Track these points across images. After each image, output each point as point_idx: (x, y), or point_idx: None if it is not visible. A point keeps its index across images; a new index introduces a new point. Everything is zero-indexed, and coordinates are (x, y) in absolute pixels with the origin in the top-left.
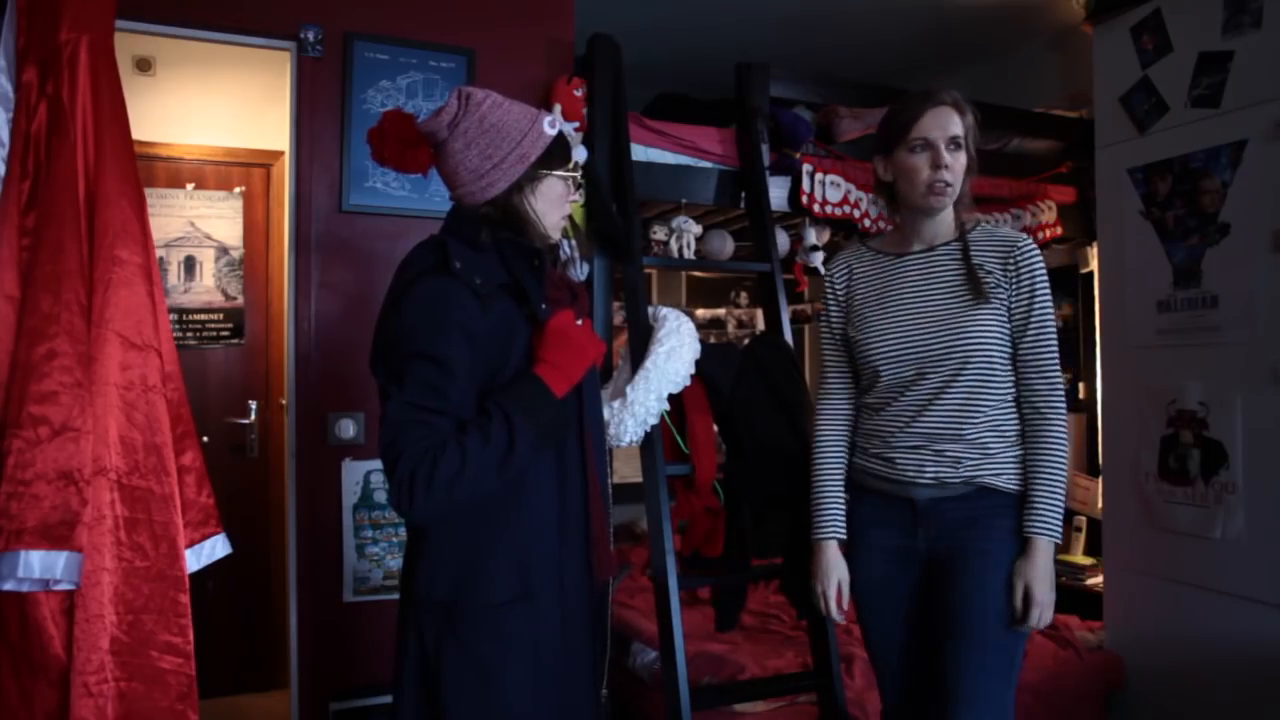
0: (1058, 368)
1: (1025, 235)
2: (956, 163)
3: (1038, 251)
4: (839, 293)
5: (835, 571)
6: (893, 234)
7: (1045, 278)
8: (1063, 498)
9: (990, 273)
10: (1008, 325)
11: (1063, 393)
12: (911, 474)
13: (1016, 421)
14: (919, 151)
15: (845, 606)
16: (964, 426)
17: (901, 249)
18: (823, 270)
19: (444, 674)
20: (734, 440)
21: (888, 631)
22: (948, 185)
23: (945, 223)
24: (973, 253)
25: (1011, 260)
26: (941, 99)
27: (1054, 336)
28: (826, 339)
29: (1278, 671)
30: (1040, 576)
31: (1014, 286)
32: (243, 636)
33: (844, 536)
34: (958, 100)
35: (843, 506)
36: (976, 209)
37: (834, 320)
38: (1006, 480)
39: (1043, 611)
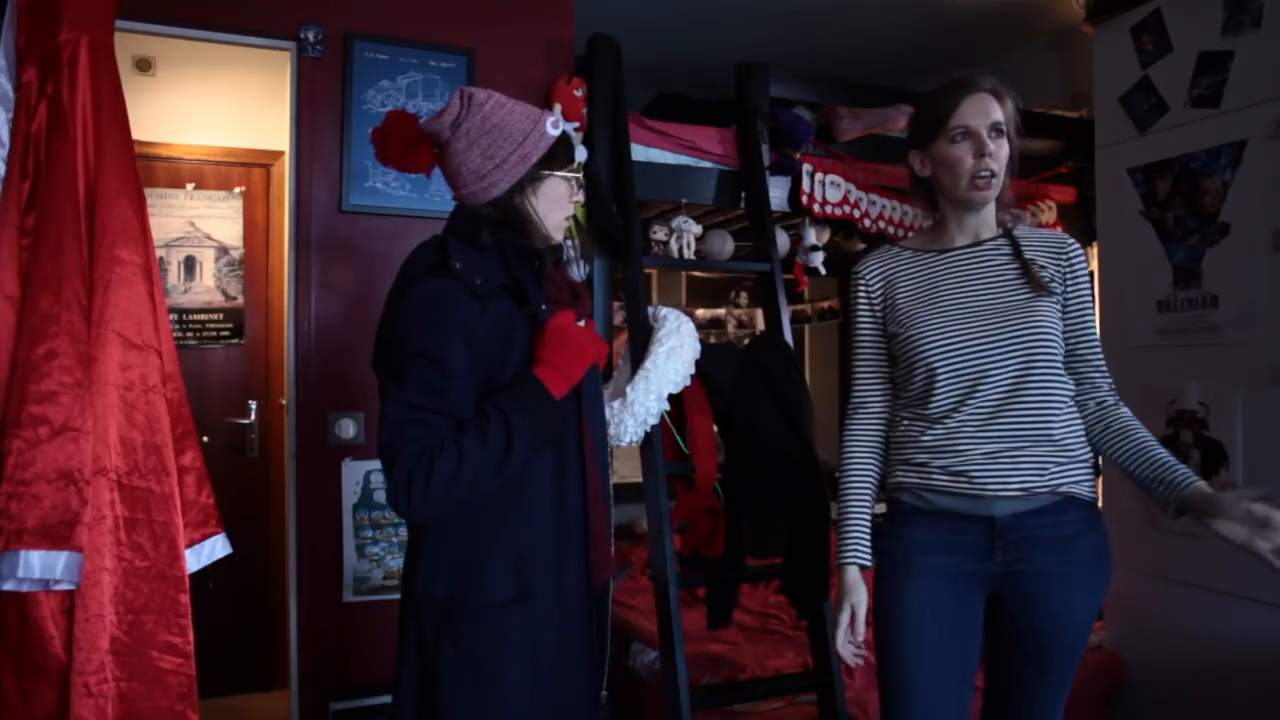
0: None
1: (1068, 235)
2: (1000, 151)
3: (1084, 251)
4: (874, 297)
5: (853, 596)
6: (929, 232)
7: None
8: None
9: (1044, 268)
10: (1062, 321)
11: None
12: (994, 487)
13: (1083, 423)
14: (960, 141)
15: (860, 638)
16: (1050, 425)
17: (944, 245)
18: (823, 270)
19: (442, 674)
20: (734, 440)
21: (933, 677)
22: (993, 175)
23: (988, 218)
24: (1024, 248)
25: (1064, 257)
26: (980, 85)
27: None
28: (860, 348)
29: (1278, 671)
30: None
31: (1068, 284)
32: (243, 636)
33: (869, 563)
34: (997, 87)
35: (870, 529)
36: None
37: (865, 327)
38: (1087, 488)
39: None
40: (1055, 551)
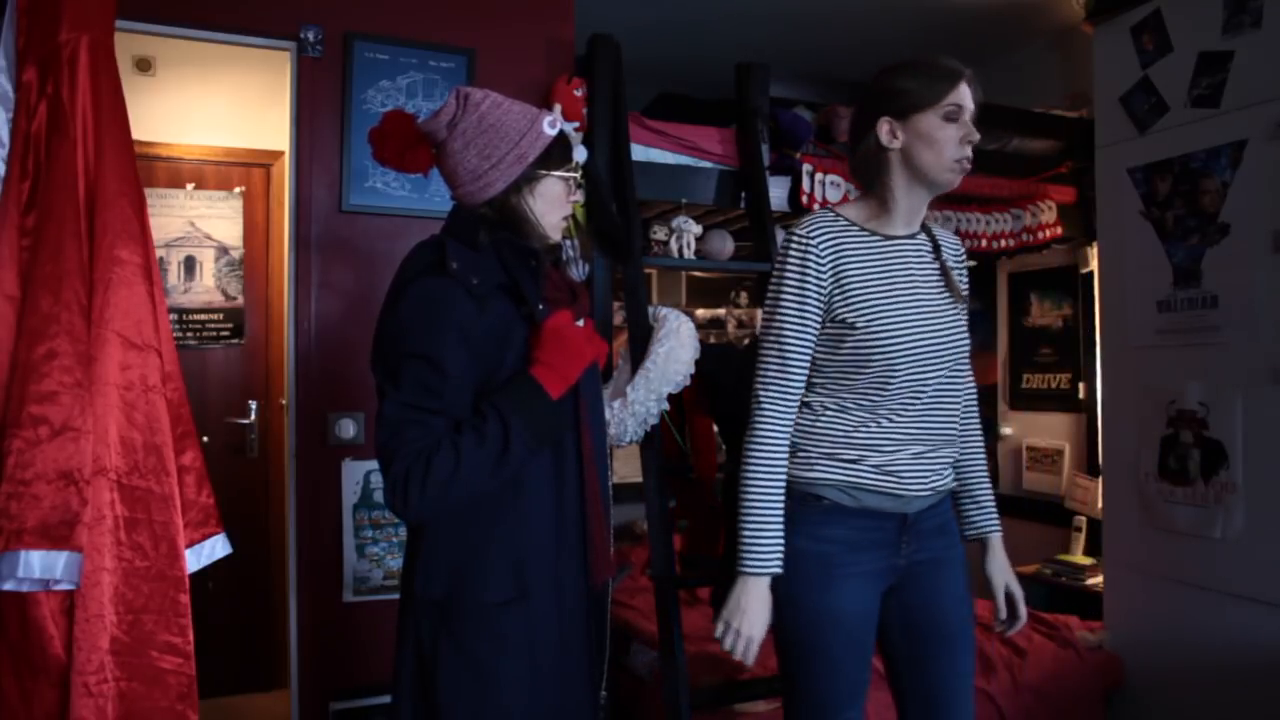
0: None
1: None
2: (975, 138)
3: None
4: (824, 271)
5: (766, 615)
6: (865, 208)
7: None
8: None
9: (961, 274)
10: None
11: None
12: (915, 487)
13: None
14: (952, 121)
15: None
16: (955, 430)
17: (887, 231)
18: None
19: (440, 674)
20: (734, 440)
21: (860, 670)
22: (969, 163)
23: (923, 206)
24: (942, 249)
25: (963, 263)
26: (970, 73)
27: None
28: (797, 325)
29: (1278, 671)
30: (1012, 573)
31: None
32: (243, 636)
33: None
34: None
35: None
36: (976, 208)
37: (810, 302)
38: (951, 481)
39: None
40: (942, 538)
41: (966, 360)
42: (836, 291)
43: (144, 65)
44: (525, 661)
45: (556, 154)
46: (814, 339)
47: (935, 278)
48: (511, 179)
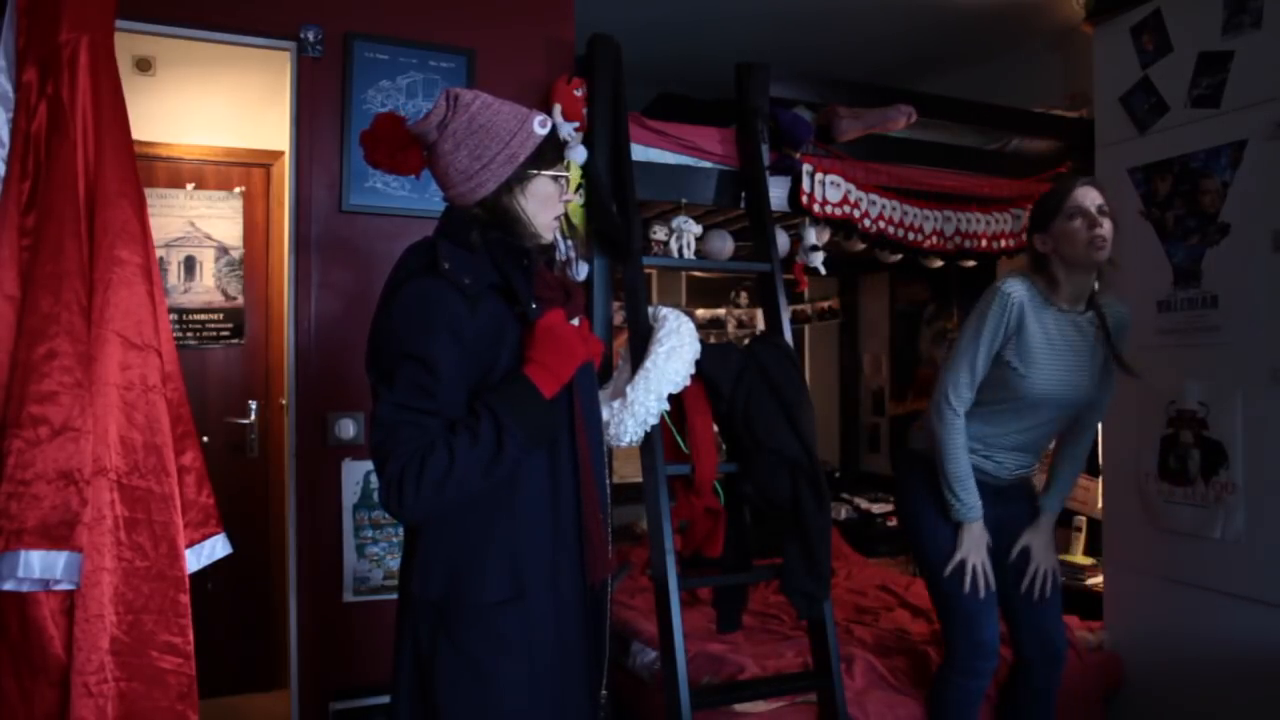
0: None
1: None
2: (1107, 224)
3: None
4: (1011, 322)
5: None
6: (1046, 285)
7: None
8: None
9: (1119, 337)
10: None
11: None
12: (1003, 474)
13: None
14: (1074, 219)
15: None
16: (1048, 442)
17: (1058, 302)
18: (823, 270)
19: (438, 674)
20: (734, 440)
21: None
22: (1106, 240)
23: (1091, 283)
24: (1110, 324)
25: (1124, 327)
26: (1087, 180)
27: None
28: (986, 352)
29: (1278, 671)
30: (1045, 549)
31: (1119, 339)
32: (243, 636)
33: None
34: (1095, 180)
35: None
36: (976, 208)
37: (997, 340)
38: (1030, 471)
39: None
40: (1016, 505)
41: (1094, 407)
42: (1014, 341)
43: (144, 65)
44: (523, 661)
45: (548, 154)
46: (988, 364)
47: (1089, 348)
48: (502, 179)
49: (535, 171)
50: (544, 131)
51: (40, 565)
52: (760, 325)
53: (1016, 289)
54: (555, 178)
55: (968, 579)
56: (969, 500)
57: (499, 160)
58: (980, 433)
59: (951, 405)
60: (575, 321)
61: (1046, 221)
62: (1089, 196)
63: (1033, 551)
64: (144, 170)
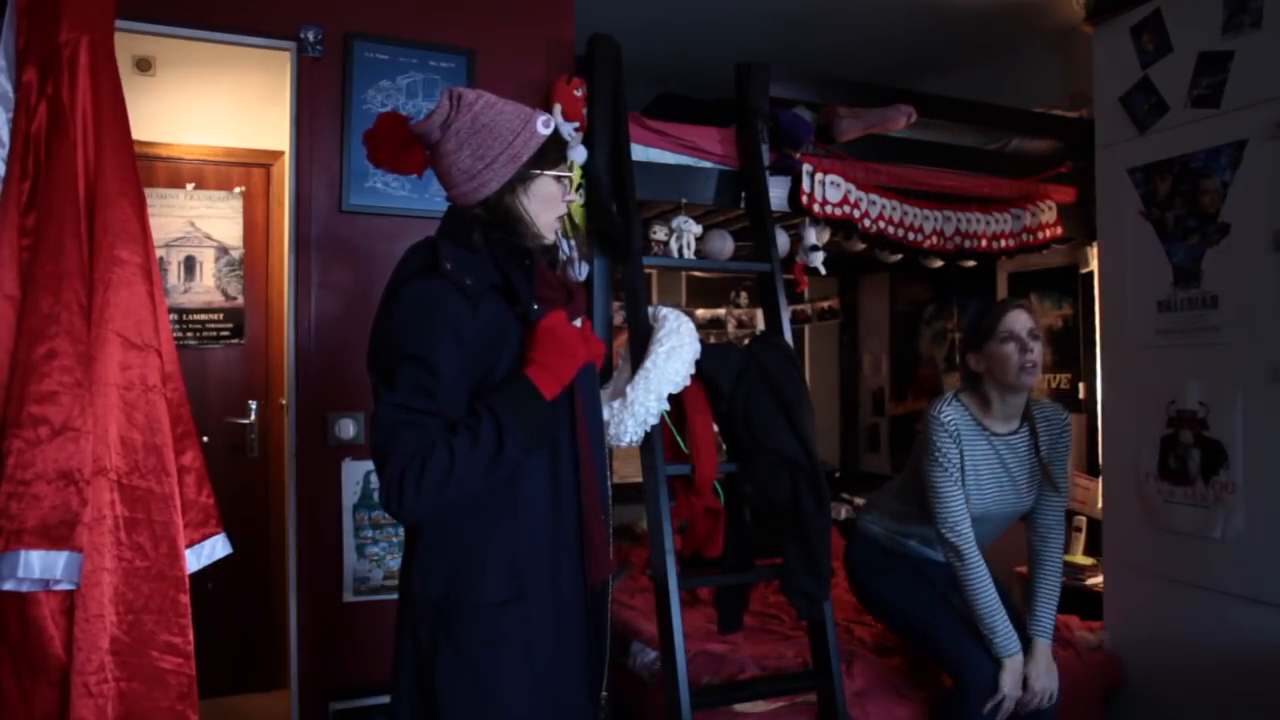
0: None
1: (1065, 411)
2: (1038, 348)
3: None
4: (957, 439)
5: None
6: (979, 407)
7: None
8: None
9: (1044, 451)
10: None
11: None
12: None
13: (1031, 527)
14: (1007, 342)
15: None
16: (994, 538)
17: (990, 426)
18: (823, 270)
19: (438, 674)
20: (734, 440)
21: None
22: (1036, 364)
23: (1023, 401)
24: (1040, 439)
25: (1063, 438)
26: (1019, 304)
27: None
28: (953, 474)
29: (1278, 671)
30: (1046, 674)
31: (1057, 446)
32: (243, 636)
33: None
34: (1026, 305)
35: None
36: (976, 208)
37: (953, 458)
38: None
39: None
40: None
41: (1047, 523)
42: (960, 458)
43: (144, 65)
44: (523, 662)
45: (551, 153)
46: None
47: (1023, 464)
48: (505, 179)
49: (538, 171)
50: (547, 131)
51: (40, 565)
52: (760, 325)
53: (949, 413)
54: (558, 178)
55: (1002, 716)
56: (1003, 630)
57: (501, 160)
58: (925, 533)
59: (956, 546)
60: (577, 322)
61: (980, 343)
62: (1020, 321)
63: (1031, 682)
64: (144, 170)
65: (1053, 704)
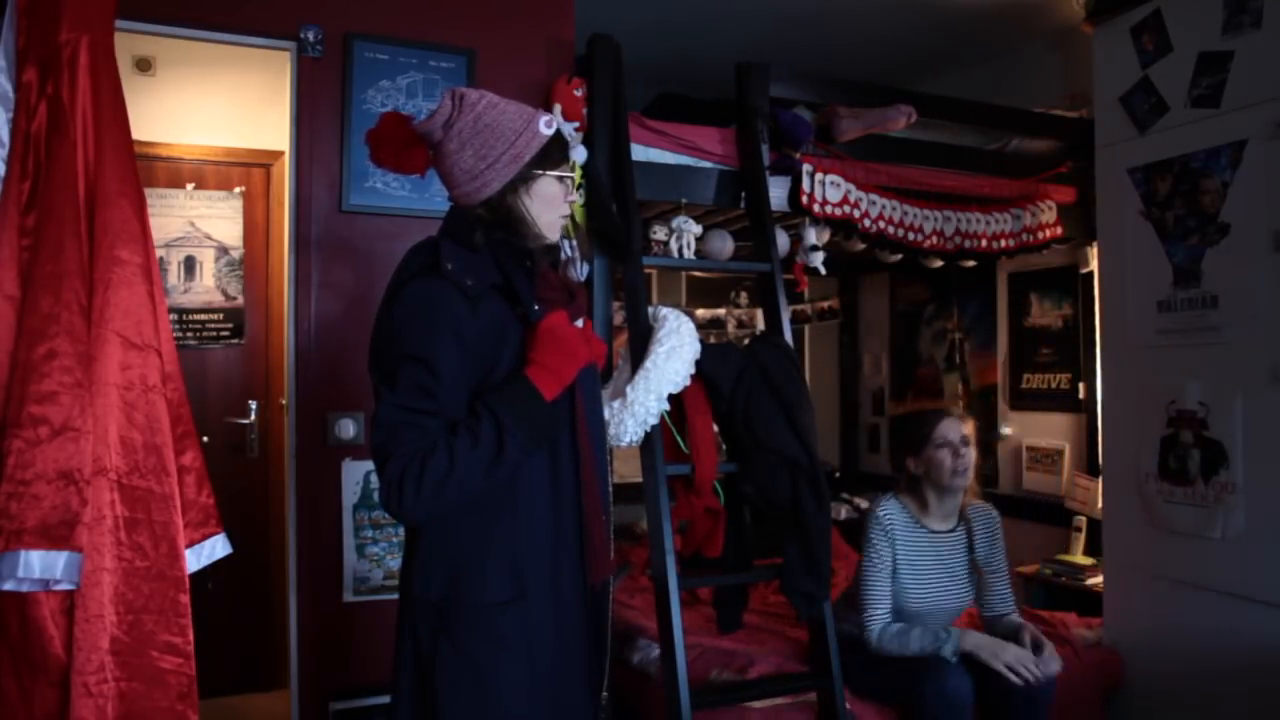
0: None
1: (994, 510)
2: (969, 454)
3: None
4: (892, 536)
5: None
6: (918, 506)
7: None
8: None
9: (979, 549)
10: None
11: None
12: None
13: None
14: (942, 448)
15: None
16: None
17: (928, 524)
18: (823, 270)
19: (438, 675)
20: (734, 440)
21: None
22: (968, 468)
23: (959, 502)
24: (975, 539)
25: (996, 532)
26: (952, 412)
27: None
28: (884, 569)
29: (1278, 671)
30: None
31: (993, 545)
32: (243, 636)
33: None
34: (959, 413)
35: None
36: (976, 208)
37: (886, 555)
38: None
39: None
40: None
41: (982, 603)
42: (894, 555)
43: (144, 65)
44: (524, 662)
45: (553, 154)
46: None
47: (960, 560)
48: (507, 179)
49: (540, 171)
50: (549, 132)
51: (40, 565)
52: (760, 325)
53: (887, 509)
54: (560, 178)
55: (1020, 671)
56: (940, 635)
57: (504, 160)
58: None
59: (872, 630)
60: (579, 323)
61: (918, 448)
62: (954, 430)
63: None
64: (144, 170)
65: (1048, 690)
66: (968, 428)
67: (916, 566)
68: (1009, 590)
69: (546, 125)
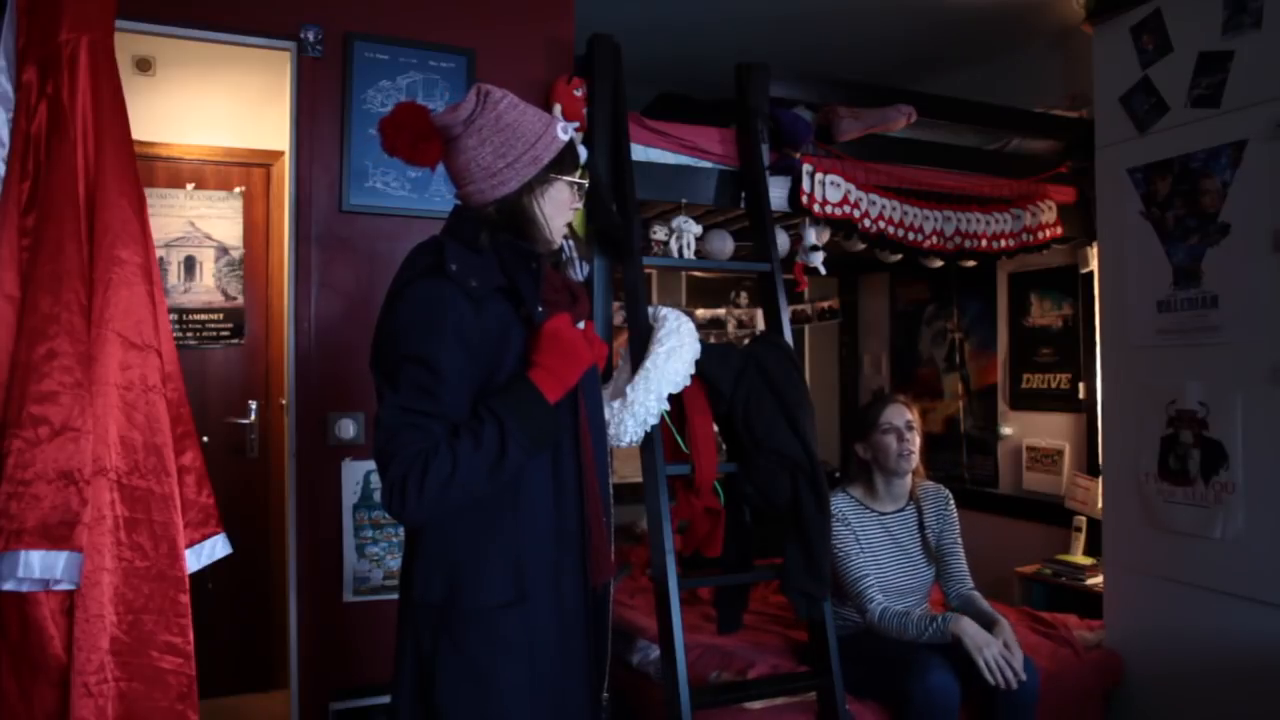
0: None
1: (945, 490)
2: (915, 438)
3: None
4: (849, 526)
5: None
6: (866, 492)
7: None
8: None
9: (930, 525)
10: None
11: None
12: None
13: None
14: (888, 434)
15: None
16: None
17: (877, 507)
18: (823, 270)
19: (438, 676)
20: (734, 440)
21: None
22: (913, 452)
23: (907, 484)
24: (926, 517)
25: (945, 509)
26: (899, 399)
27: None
28: (853, 554)
29: (1278, 671)
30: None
31: (944, 525)
32: (243, 636)
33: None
34: (905, 400)
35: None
36: (976, 208)
37: (851, 541)
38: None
39: None
40: None
41: (944, 588)
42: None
43: (144, 65)
44: (524, 664)
45: (568, 159)
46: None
47: (913, 538)
48: (525, 179)
49: (555, 176)
50: (566, 138)
51: (40, 565)
52: (760, 325)
53: (836, 503)
54: (572, 184)
55: (998, 673)
56: (935, 622)
57: (524, 160)
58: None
59: (874, 611)
60: (581, 325)
61: (865, 433)
62: (899, 415)
63: (968, 644)
64: (144, 170)
65: (1031, 689)
66: (912, 414)
67: (871, 547)
68: (964, 567)
69: (564, 131)
